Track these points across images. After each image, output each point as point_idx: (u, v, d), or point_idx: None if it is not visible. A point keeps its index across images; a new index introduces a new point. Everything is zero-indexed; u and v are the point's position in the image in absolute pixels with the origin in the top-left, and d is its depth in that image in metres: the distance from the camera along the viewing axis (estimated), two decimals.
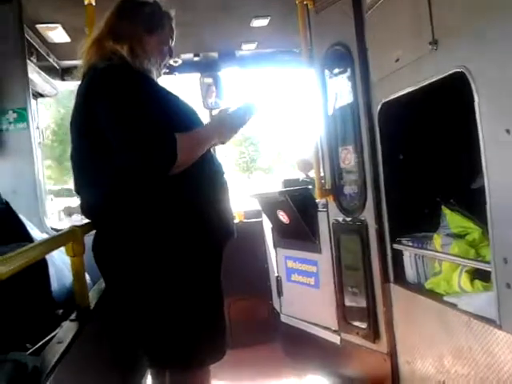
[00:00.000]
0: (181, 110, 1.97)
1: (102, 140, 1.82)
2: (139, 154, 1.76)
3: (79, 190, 1.97)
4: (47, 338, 1.51)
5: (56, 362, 1.28)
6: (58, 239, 1.68)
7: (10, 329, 1.50)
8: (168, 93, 1.97)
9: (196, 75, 4.48)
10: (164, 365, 1.98)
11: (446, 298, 2.23)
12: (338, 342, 3.08)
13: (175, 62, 4.43)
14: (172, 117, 1.87)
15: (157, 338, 1.89)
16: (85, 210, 1.96)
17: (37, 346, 1.45)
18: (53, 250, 1.61)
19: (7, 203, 2.03)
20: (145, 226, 1.85)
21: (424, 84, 2.17)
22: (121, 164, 1.78)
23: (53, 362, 1.28)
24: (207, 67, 4.53)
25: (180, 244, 1.85)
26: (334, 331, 3.12)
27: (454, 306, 2.13)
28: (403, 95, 2.36)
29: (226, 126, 2.02)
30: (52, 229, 3.15)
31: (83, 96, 1.88)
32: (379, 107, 2.58)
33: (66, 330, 1.56)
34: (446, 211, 2.47)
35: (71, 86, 4.28)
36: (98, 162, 1.86)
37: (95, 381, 1.77)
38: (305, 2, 3.12)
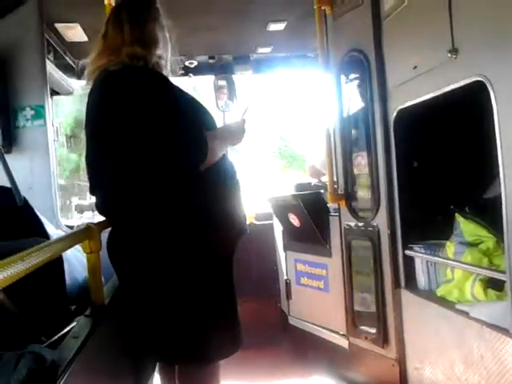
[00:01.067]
0: (199, 110, 2.00)
1: (118, 141, 1.83)
2: (176, 152, 1.79)
3: (94, 189, 1.99)
4: (63, 332, 1.52)
5: (73, 356, 1.30)
6: (75, 236, 1.69)
7: (26, 322, 1.52)
8: (187, 94, 1.99)
9: (210, 77, 4.50)
10: (174, 360, 2.00)
11: (458, 306, 2.22)
12: (347, 346, 3.08)
13: (190, 63, 4.47)
14: (195, 114, 1.90)
15: (168, 333, 1.91)
16: (100, 209, 1.99)
17: (53, 340, 1.46)
18: (70, 247, 1.63)
19: (26, 200, 2.05)
20: (159, 223, 1.87)
21: (441, 92, 2.17)
22: (157, 162, 1.80)
23: (70, 356, 1.29)
24: (221, 70, 4.55)
25: (193, 241, 1.87)
26: (343, 335, 3.12)
27: (466, 314, 2.12)
28: (420, 103, 2.36)
29: (238, 132, 2.10)
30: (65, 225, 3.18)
31: (100, 97, 1.89)
32: (395, 114, 2.58)
33: (82, 326, 1.57)
34: (459, 219, 2.46)
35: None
36: (114, 162, 1.88)
37: (108, 375, 1.78)
38: (322, 8, 3.13)
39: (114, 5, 2.79)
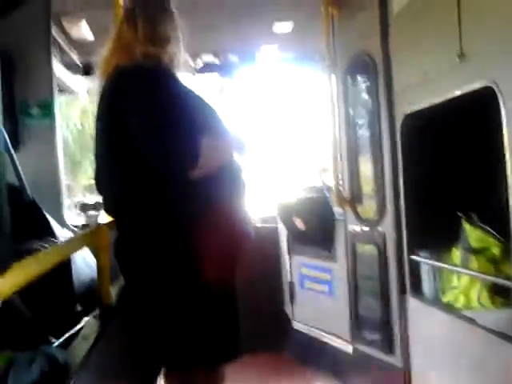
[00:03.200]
0: (205, 110, 2.00)
1: (128, 140, 1.83)
2: (163, 154, 1.78)
3: (102, 187, 1.99)
4: (72, 333, 1.52)
5: (84, 357, 1.30)
6: (84, 237, 1.69)
7: (35, 322, 1.52)
8: (193, 93, 1.99)
9: (215, 76, 4.50)
10: (177, 365, 1.99)
11: (464, 313, 2.22)
12: (351, 351, 3.07)
13: (195, 62, 4.46)
14: (198, 118, 1.89)
15: (172, 337, 1.90)
16: (107, 207, 1.98)
17: (62, 340, 1.46)
18: (81, 247, 1.63)
19: (34, 199, 2.05)
20: (165, 225, 1.86)
21: (450, 97, 2.16)
22: (145, 162, 1.80)
23: (81, 357, 1.29)
24: (226, 69, 4.54)
25: (198, 244, 1.86)
26: (347, 341, 3.11)
27: (472, 321, 2.12)
28: (427, 107, 2.35)
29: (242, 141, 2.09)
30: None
31: (112, 94, 1.90)
32: (402, 118, 2.58)
33: (91, 327, 1.57)
34: (465, 225, 2.46)
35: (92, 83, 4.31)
36: (123, 161, 1.88)
37: (116, 375, 1.78)
38: (330, 9, 3.13)
39: (122, 3, 2.78)
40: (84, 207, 3.89)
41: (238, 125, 2.28)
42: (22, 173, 2.14)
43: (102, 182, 1.98)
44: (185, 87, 1.98)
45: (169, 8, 2.04)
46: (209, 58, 4.58)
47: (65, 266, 1.76)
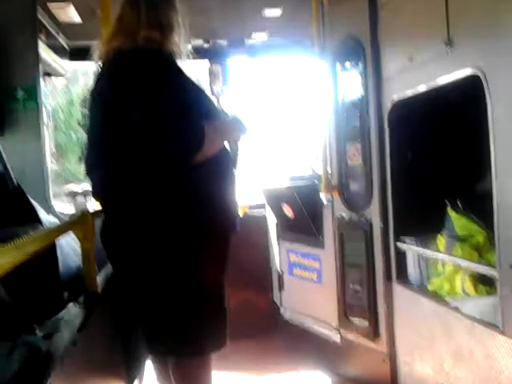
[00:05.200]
0: (204, 99, 2.00)
1: (125, 124, 1.83)
2: (169, 138, 1.78)
3: (92, 171, 1.98)
4: (55, 319, 1.51)
5: (67, 346, 1.29)
6: (70, 224, 1.68)
7: (19, 309, 1.51)
8: (191, 80, 1.98)
9: (204, 62, 4.45)
10: (166, 352, 2.00)
11: (448, 300, 2.24)
12: (338, 339, 3.10)
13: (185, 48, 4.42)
14: (198, 103, 1.89)
15: (159, 325, 1.92)
16: (96, 192, 1.98)
17: (45, 328, 1.45)
18: (65, 234, 1.62)
19: (19, 186, 2.03)
20: (153, 212, 1.86)
21: (437, 84, 2.16)
22: (149, 145, 1.79)
23: (63, 346, 1.28)
24: (216, 54, 4.50)
25: (187, 232, 1.87)
26: (334, 328, 3.14)
27: (456, 309, 2.14)
28: (415, 95, 2.35)
29: (239, 127, 2.10)
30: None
31: (113, 77, 1.88)
32: (390, 105, 2.58)
33: (75, 314, 1.56)
34: (451, 213, 2.47)
35: (79, 66, 4.26)
36: (117, 145, 1.87)
37: (101, 363, 1.78)
38: None
39: None
40: (73, 194, 3.86)
41: (236, 108, 2.27)
42: (6, 159, 2.11)
43: (93, 164, 1.97)
44: (185, 73, 1.98)
45: None
46: (199, 43, 4.53)
47: (50, 253, 1.74)
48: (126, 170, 1.86)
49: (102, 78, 1.93)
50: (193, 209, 1.87)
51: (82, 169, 2.04)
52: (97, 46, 2.01)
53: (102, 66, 1.97)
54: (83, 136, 2.06)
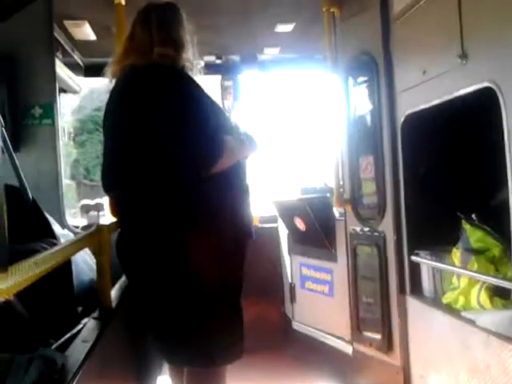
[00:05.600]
0: (220, 114, 2.04)
1: (145, 137, 1.85)
2: (188, 148, 1.82)
3: (110, 188, 2.00)
4: (70, 335, 1.53)
5: (83, 359, 1.30)
6: (85, 239, 1.70)
7: (35, 324, 1.52)
8: (207, 93, 2.02)
9: (216, 77, 4.49)
10: (181, 362, 2.01)
11: (463, 314, 2.22)
12: (350, 352, 3.07)
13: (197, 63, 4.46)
14: (214, 116, 1.93)
15: (178, 336, 1.94)
16: (115, 208, 2.00)
17: (61, 342, 1.46)
18: (81, 249, 1.63)
19: (34, 201, 2.06)
20: (171, 226, 1.88)
21: (451, 98, 2.16)
22: (167, 157, 1.83)
23: (80, 359, 1.30)
24: (228, 70, 4.54)
25: (204, 246, 1.88)
26: (347, 341, 3.11)
27: (472, 322, 2.11)
28: (428, 108, 2.35)
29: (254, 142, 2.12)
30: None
31: (128, 92, 1.92)
32: (403, 118, 2.58)
33: (90, 329, 1.57)
34: (466, 226, 2.45)
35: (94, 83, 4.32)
36: (135, 162, 1.90)
37: (116, 377, 1.79)
38: (331, 10, 3.13)
39: (123, 4, 2.79)
40: (86, 208, 3.90)
41: (248, 124, 2.30)
42: (22, 174, 2.15)
43: (112, 182, 2.00)
44: (201, 88, 2.01)
45: (179, 11, 2.08)
46: (211, 59, 4.57)
47: (65, 267, 1.76)
48: (144, 187, 1.89)
49: (117, 95, 1.96)
50: (208, 222, 1.89)
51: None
52: (110, 64, 2.07)
53: (116, 83, 2.01)
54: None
